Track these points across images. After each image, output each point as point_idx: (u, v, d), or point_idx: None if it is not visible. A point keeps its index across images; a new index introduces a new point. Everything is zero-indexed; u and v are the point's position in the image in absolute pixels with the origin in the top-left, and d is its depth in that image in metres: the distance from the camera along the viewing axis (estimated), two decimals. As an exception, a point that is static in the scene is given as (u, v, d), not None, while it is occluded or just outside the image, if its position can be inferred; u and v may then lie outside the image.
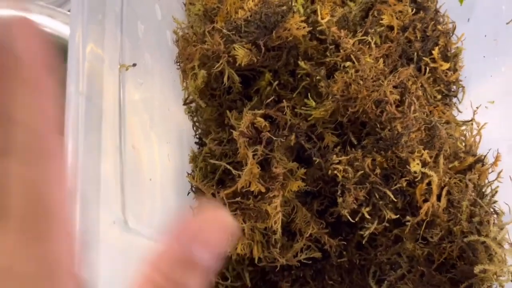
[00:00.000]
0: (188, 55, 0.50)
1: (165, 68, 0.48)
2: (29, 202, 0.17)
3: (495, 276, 0.43)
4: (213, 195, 0.47)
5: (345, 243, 0.48)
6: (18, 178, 0.17)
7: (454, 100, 0.54)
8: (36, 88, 0.18)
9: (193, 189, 0.51)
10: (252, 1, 0.54)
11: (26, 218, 0.17)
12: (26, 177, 0.17)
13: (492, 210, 0.47)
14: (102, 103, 0.32)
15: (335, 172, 0.47)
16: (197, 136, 0.55)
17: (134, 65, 0.37)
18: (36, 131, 0.18)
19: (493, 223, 0.45)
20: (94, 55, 0.32)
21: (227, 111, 0.51)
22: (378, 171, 0.46)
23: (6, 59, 0.18)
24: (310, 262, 0.47)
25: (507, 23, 0.44)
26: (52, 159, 0.18)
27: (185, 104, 0.52)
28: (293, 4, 0.53)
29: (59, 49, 0.63)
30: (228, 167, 0.47)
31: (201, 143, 0.56)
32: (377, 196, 0.46)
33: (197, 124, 0.54)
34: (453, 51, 0.53)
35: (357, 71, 0.50)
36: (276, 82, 0.51)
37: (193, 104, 0.53)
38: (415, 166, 0.46)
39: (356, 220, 0.46)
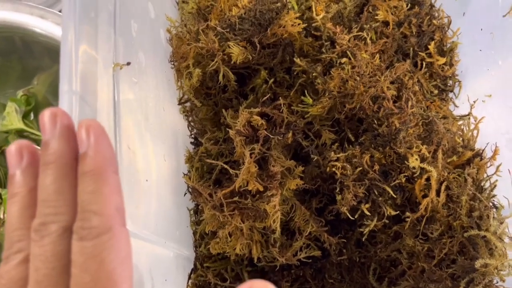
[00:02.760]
0: (182, 54, 0.49)
1: (159, 67, 0.48)
2: (96, 276, 0.21)
3: (496, 270, 0.43)
4: (210, 195, 0.47)
5: (345, 240, 0.47)
6: (92, 257, 0.21)
7: (451, 95, 0.54)
8: (104, 182, 0.23)
9: (190, 189, 0.50)
10: (246, -2, 0.53)
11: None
12: (98, 256, 0.21)
13: (491, 204, 0.47)
14: (96, 102, 0.31)
15: (333, 169, 0.46)
16: (193, 136, 0.54)
17: (128, 63, 0.36)
18: (108, 217, 0.22)
19: (493, 217, 0.45)
20: (87, 55, 0.31)
21: (223, 110, 0.50)
22: (376, 167, 0.46)
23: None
24: (310, 261, 0.47)
25: (503, 16, 0.44)
26: (119, 246, 0.22)
27: (180, 103, 0.51)
28: (287, 1, 0.52)
29: (51, 50, 0.62)
30: (225, 166, 0.46)
31: (196, 143, 0.55)
32: (376, 193, 0.45)
33: (192, 123, 0.53)
34: (449, 45, 0.53)
35: (353, 67, 0.49)
36: (272, 80, 0.50)
37: (188, 104, 0.52)
38: (413, 162, 0.46)
39: (356, 217, 0.46)
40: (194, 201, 0.52)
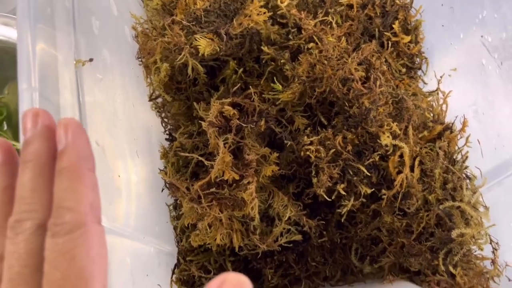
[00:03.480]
0: (149, 50, 0.49)
1: (126, 65, 0.47)
2: (67, 274, 0.21)
3: (473, 239, 0.44)
4: (188, 188, 0.47)
5: (324, 223, 0.48)
6: (63, 254, 0.21)
7: (419, 72, 0.54)
8: (79, 179, 0.23)
9: (167, 185, 0.50)
10: (209, -10, 0.53)
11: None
12: (69, 253, 0.21)
13: (464, 175, 0.48)
14: (59, 99, 0.31)
15: (308, 153, 0.46)
16: (167, 132, 0.54)
17: (91, 60, 0.36)
18: (80, 214, 0.22)
19: (466, 187, 0.46)
20: (46, 52, 0.31)
21: (195, 103, 0.50)
22: (349, 147, 0.46)
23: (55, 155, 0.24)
24: (292, 245, 0.47)
25: (461, -11, 0.45)
26: (91, 243, 0.22)
27: (150, 100, 0.51)
28: (251, -9, 0.52)
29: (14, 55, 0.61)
30: (200, 158, 0.46)
31: (171, 139, 0.55)
32: (351, 173, 0.46)
33: (165, 119, 0.53)
34: (413, 24, 0.54)
35: (320, 51, 0.50)
36: (242, 70, 0.51)
37: (160, 100, 0.52)
38: (385, 139, 0.46)
39: (333, 199, 0.46)
40: (172, 197, 0.51)
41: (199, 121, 0.50)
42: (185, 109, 0.53)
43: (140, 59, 0.50)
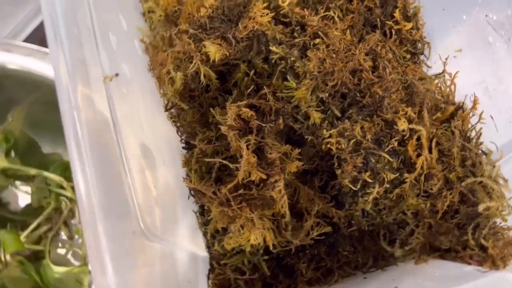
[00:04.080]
0: (160, 61, 0.50)
1: (142, 77, 0.48)
2: None
3: (497, 211, 0.45)
4: (214, 193, 0.47)
5: (352, 212, 0.49)
6: None
7: (422, 57, 0.56)
8: None
9: (192, 192, 0.50)
10: (211, -3, 0.54)
11: None
12: None
13: (480, 151, 0.49)
14: (95, 116, 0.31)
15: (329, 146, 0.47)
16: (183, 140, 0.55)
17: (117, 75, 0.36)
18: None
19: (485, 162, 0.47)
20: (79, 70, 0.31)
21: (210, 109, 0.51)
22: (369, 136, 0.47)
23: None
24: (323, 237, 0.48)
25: (460, -28, 0.46)
26: None
27: (166, 110, 0.52)
28: (252, -7, 0.53)
29: (23, 82, 0.61)
30: (225, 162, 0.47)
31: (188, 147, 0.55)
32: (373, 160, 0.47)
33: (181, 128, 0.53)
34: (412, 10, 0.55)
35: (327, 46, 0.51)
36: (253, 72, 0.51)
37: (174, 110, 0.52)
38: (402, 125, 0.47)
39: (358, 187, 0.47)
40: (197, 203, 0.52)
41: (216, 126, 0.51)
42: (199, 116, 0.54)
43: (152, 71, 0.50)
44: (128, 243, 0.30)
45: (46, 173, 0.65)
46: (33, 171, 0.64)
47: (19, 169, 0.65)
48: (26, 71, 0.58)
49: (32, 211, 0.67)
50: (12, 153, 0.69)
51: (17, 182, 0.68)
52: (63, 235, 0.69)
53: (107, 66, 0.36)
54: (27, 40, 0.71)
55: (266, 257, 0.49)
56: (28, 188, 0.68)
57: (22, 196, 0.69)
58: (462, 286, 0.32)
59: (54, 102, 0.66)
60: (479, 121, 0.48)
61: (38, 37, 0.78)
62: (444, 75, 0.53)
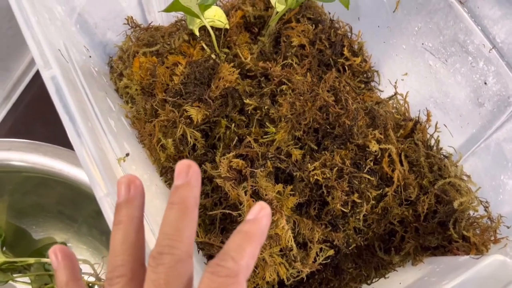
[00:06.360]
0: (149, 132, 0.53)
1: (137, 150, 0.51)
2: None
3: (469, 204, 0.52)
4: (222, 242, 0.51)
5: (348, 231, 0.54)
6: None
7: (373, 84, 0.64)
8: (252, 245, 0.27)
9: (200, 246, 0.53)
10: (180, 66, 0.59)
11: None
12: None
13: (442, 155, 0.56)
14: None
15: (316, 177, 0.53)
16: (180, 199, 0.58)
17: (127, 154, 0.40)
18: (240, 266, 0.26)
19: (449, 165, 0.54)
20: (101, 157, 0.35)
21: (202, 165, 0.55)
22: (347, 162, 0.53)
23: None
24: (328, 261, 0.52)
25: (393, 12, 0.54)
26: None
27: (161, 175, 0.55)
28: (216, 57, 0.59)
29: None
30: (227, 211, 0.51)
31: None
32: (356, 182, 0.53)
33: (176, 189, 0.57)
34: (356, 46, 0.63)
35: (293, 90, 0.57)
36: (233, 125, 0.56)
37: (168, 175, 0.56)
38: (373, 146, 0.54)
39: (349, 209, 0.53)
40: (205, 256, 0.55)
41: (209, 180, 0.55)
42: (191, 174, 0.57)
43: (142, 143, 0.54)
44: None
45: (43, 260, 0.66)
46: (31, 260, 0.65)
47: (15, 261, 0.65)
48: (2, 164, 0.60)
49: (35, 300, 0.67)
50: (3, 247, 0.69)
51: (14, 275, 0.68)
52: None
53: (116, 149, 0.40)
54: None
55: (282, 291, 0.52)
56: (26, 278, 0.68)
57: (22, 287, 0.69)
58: (469, 273, 0.37)
59: (33, 189, 0.68)
60: (435, 130, 0.56)
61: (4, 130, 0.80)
62: (396, 96, 0.60)
